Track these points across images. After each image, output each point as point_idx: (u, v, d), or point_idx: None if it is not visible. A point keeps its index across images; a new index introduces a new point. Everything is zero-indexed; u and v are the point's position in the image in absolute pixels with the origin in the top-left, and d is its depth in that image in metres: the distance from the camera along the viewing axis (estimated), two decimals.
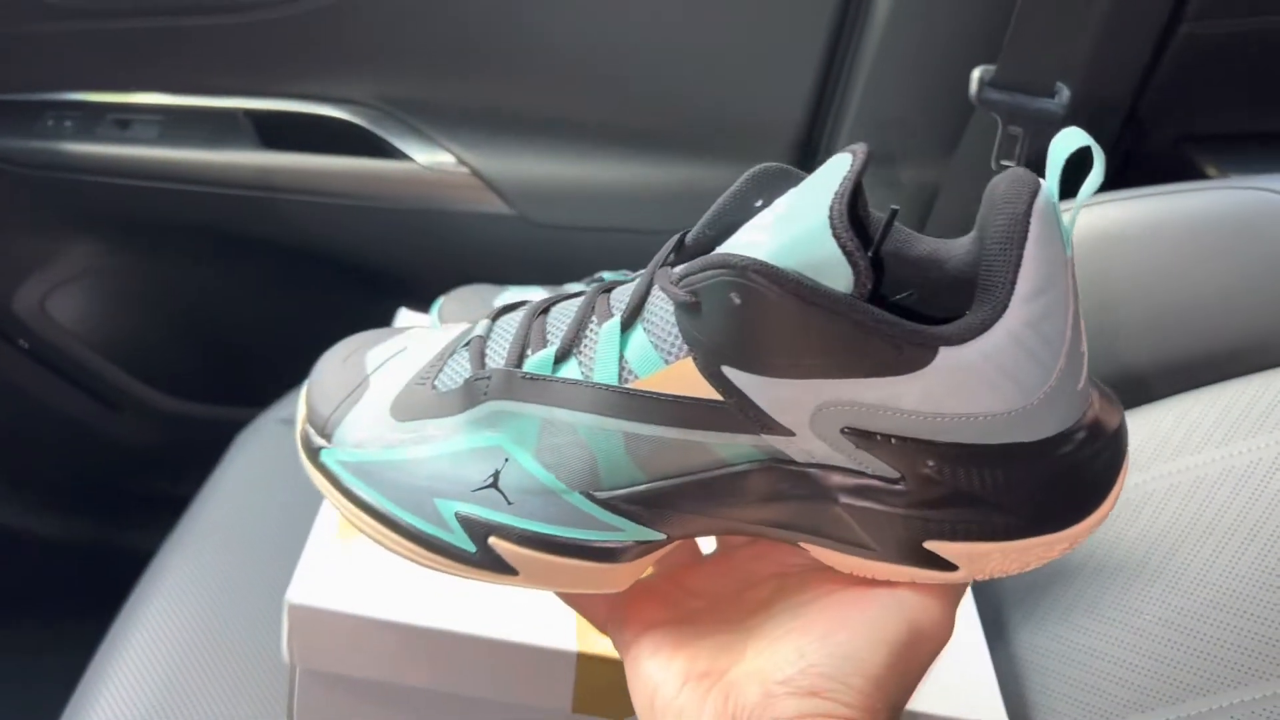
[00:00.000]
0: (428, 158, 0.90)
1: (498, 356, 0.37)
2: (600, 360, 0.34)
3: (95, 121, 0.92)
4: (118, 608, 0.68)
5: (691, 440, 0.33)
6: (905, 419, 0.30)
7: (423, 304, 0.70)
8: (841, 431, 0.31)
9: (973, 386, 0.30)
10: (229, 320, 1.09)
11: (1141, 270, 0.65)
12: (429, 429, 0.37)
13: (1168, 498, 0.56)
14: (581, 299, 0.37)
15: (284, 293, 1.07)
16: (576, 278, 0.67)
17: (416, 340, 0.41)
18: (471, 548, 0.35)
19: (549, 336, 0.36)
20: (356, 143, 0.91)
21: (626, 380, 0.33)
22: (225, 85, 0.91)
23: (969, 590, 0.57)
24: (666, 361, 0.32)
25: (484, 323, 0.39)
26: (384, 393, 0.39)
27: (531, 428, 0.35)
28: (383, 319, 0.74)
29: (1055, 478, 0.32)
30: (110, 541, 1.14)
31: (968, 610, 0.57)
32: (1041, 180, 0.31)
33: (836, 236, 0.29)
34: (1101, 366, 0.64)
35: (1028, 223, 0.29)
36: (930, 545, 0.32)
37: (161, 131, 0.92)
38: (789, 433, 0.32)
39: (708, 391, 0.32)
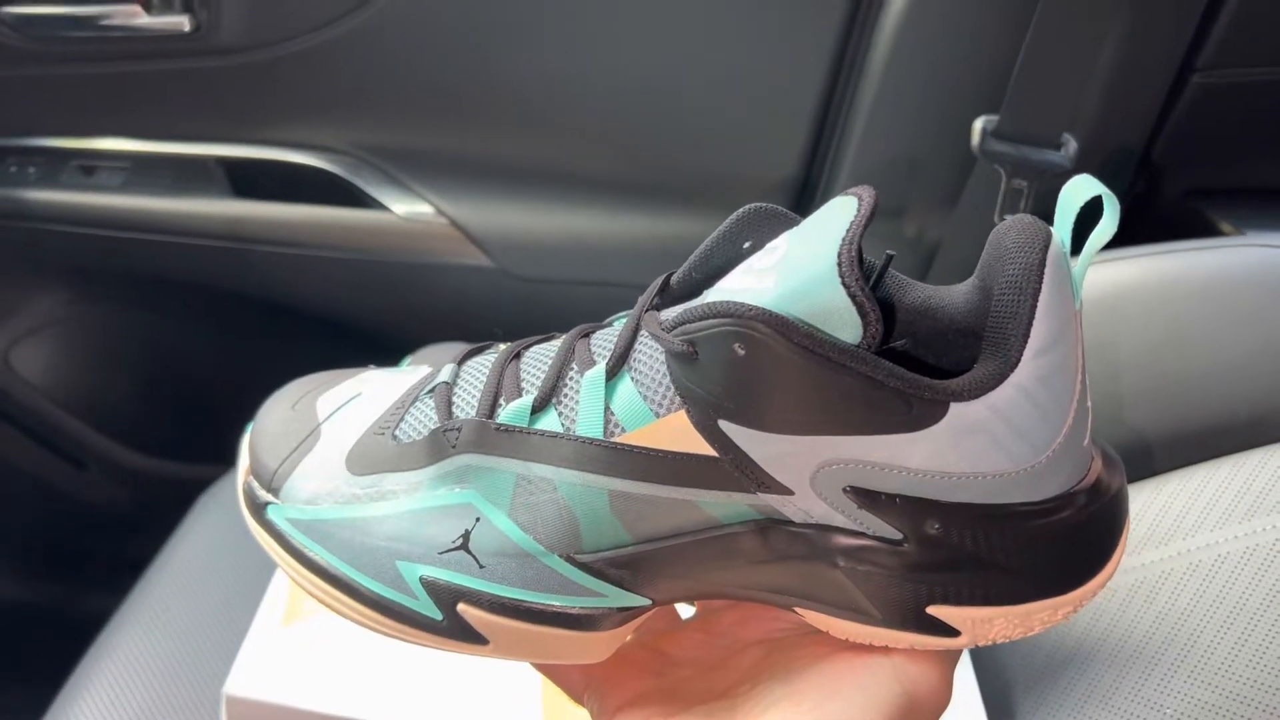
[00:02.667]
0: (406, 208, 0.89)
1: (467, 405, 0.35)
2: (584, 411, 0.32)
3: (59, 169, 0.91)
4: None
5: (682, 499, 0.31)
6: (912, 478, 0.29)
7: (395, 361, 0.67)
8: (844, 491, 0.30)
9: (982, 444, 0.29)
10: (197, 375, 1.08)
11: (1156, 332, 0.63)
12: (389, 483, 0.34)
13: (1188, 577, 0.54)
14: (558, 343, 0.35)
15: (254, 347, 1.05)
16: (559, 331, 0.65)
17: (372, 385, 0.38)
18: (438, 615, 0.33)
19: (524, 385, 0.34)
20: (332, 191, 0.89)
21: (613, 434, 0.32)
22: (196, 131, 0.90)
23: (973, 677, 0.55)
24: (657, 414, 0.31)
25: (449, 368, 0.37)
26: (338, 443, 0.36)
27: (506, 484, 0.33)
28: None
29: (1061, 539, 0.31)
30: (71, 604, 1.12)
31: (971, 698, 0.55)
32: (1052, 230, 0.30)
33: (845, 285, 0.28)
34: (1115, 434, 0.62)
35: (1041, 273, 0.29)
36: (933, 610, 0.31)
37: (128, 179, 0.91)
38: (787, 491, 0.31)
39: (701, 447, 0.31)
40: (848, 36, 0.79)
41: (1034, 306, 0.28)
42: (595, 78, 0.83)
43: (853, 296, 0.28)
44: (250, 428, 0.39)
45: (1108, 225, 0.29)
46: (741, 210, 0.33)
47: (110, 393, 1.08)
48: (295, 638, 0.52)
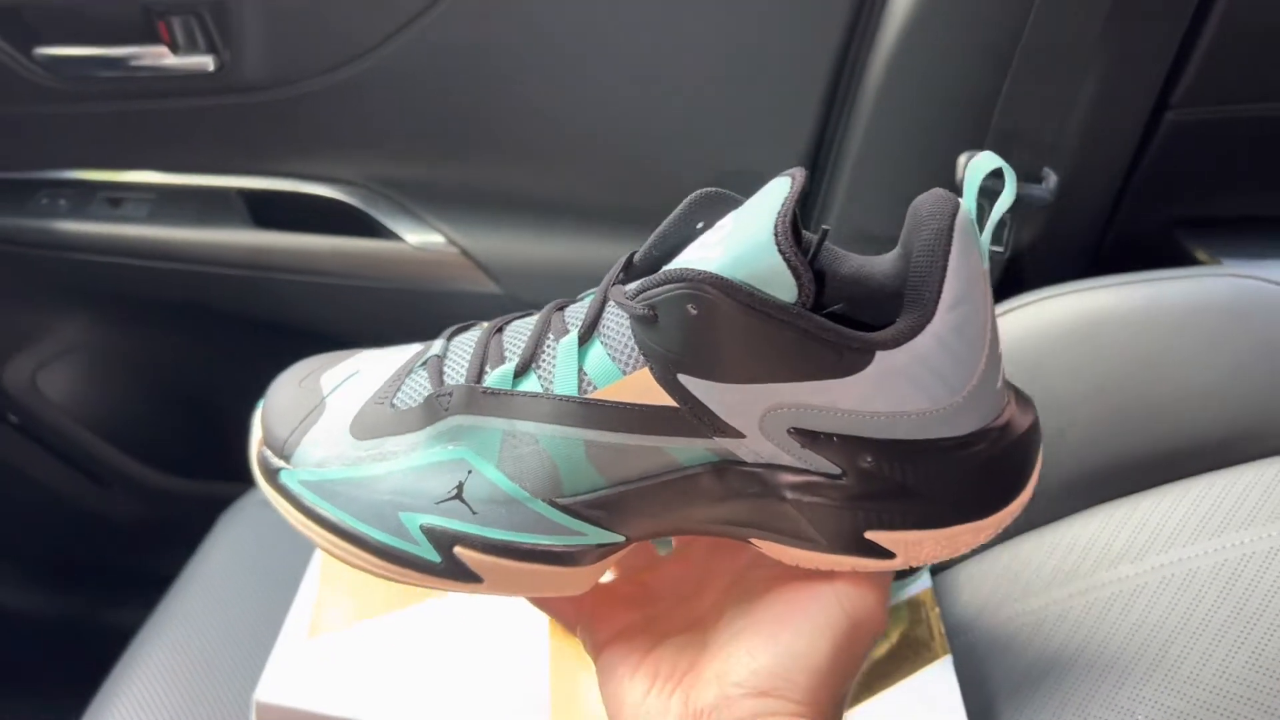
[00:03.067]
0: (418, 237, 0.91)
1: (456, 374, 0.38)
2: (560, 373, 0.35)
3: (88, 200, 0.93)
4: (98, 688, 0.67)
5: (648, 445, 0.35)
6: (845, 418, 0.33)
7: None
8: (788, 432, 0.33)
9: (904, 387, 0.32)
10: (217, 397, 1.09)
11: (1132, 357, 0.64)
12: (389, 445, 0.38)
13: (1160, 591, 0.55)
14: (536, 318, 0.39)
15: (273, 371, 1.06)
16: None
17: (369, 362, 0.42)
18: (436, 558, 0.37)
19: (506, 353, 0.37)
20: (348, 222, 0.91)
21: (586, 391, 0.35)
22: (219, 165, 0.92)
23: (956, 686, 0.56)
24: (624, 372, 0.34)
25: (440, 342, 0.40)
26: (342, 413, 0.39)
27: (493, 440, 0.36)
28: None
29: (978, 469, 0.34)
30: (95, 618, 1.13)
31: (954, 706, 0.56)
32: (960, 200, 0.34)
33: (781, 251, 0.31)
34: (1093, 455, 0.63)
35: (950, 237, 0.32)
36: (870, 535, 0.35)
37: (153, 210, 0.93)
38: (740, 435, 0.34)
39: (664, 399, 0.34)
40: (838, 79, 0.81)
41: (945, 266, 0.32)
42: (598, 112, 0.85)
43: (787, 261, 0.31)
44: (261, 404, 0.42)
45: (1007, 195, 0.33)
46: (693, 195, 0.37)
47: (134, 414, 1.09)
48: (322, 647, 0.54)
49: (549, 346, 0.37)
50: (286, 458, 0.39)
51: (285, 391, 0.42)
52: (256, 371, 1.08)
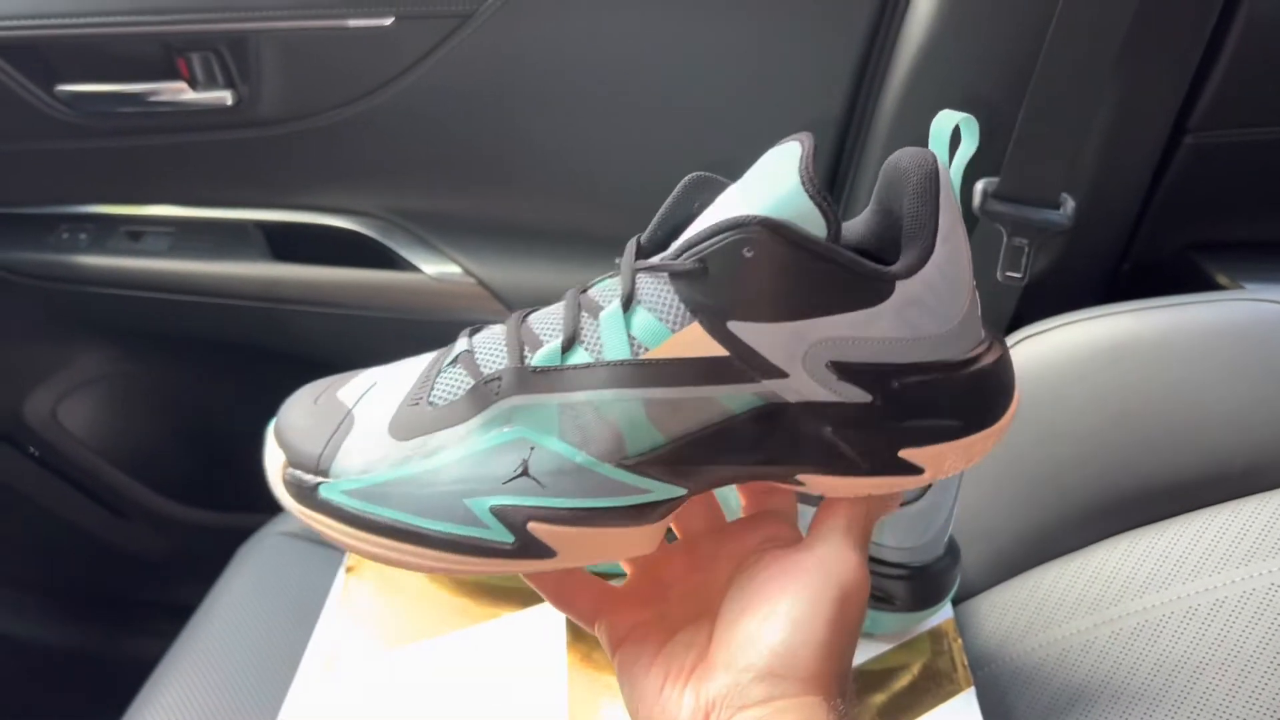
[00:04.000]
0: (435, 268, 0.92)
1: (493, 363, 0.39)
2: (609, 342, 0.37)
3: (108, 234, 0.94)
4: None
5: (702, 396, 0.36)
6: (874, 346, 0.36)
7: None
8: (826, 366, 0.36)
9: (919, 313, 0.36)
10: (235, 428, 1.09)
11: (1154, 383, 0.64)
12: (437, 440, 0.38)
13: (1186, 621, 0.55)
14: (559, 304, 0.40)
15: None
16: None
17: (385, 374, 0.42)
18: (510, 538, 0.37)
19: (542, 336, 0.38)
20: (365, 253, 0.92)
21: (639, 353, 0.37)
22: (237, 198, 0.93)
23: (979, 716, 0.56)
24: (673, 330, 0.36)
25: (463, 340, 0.41)
26: (376, 419, 0.39)
27: (551, 415, 0.37)
28: None
29: (980, 384, 0.38)
30: (116, 650, 1.14)
31: None
32: (933, 152, 0.37)
33: (810, 194, 0.35)
34: (1116, 483, 0.63)
35: (936, 181, 0.35)
36: (904, 454, 0.38)
37: (173, 243, 0.94)
38: (784, 375, 0.36)
39: (714, 349, 0.36)
40: (854, 108, 0.81)
41: (936, 205, 0.35)
42: (612, 142, 0.85)
43: (816, 203, 0.34)
44: (271, 428, 0.41)
45: (968, 146, 0.37)
46: (686, 179, 0.39)
47: (153, 446, 1.10)
48: (341, 679, 0.54)
49: (587, 322, 0.38)
50: (324, 472, 0.38)
51: (301, 411, 0.41)
52: (275, 403, 1.09)
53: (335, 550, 0.76)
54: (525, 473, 0.37)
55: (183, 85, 0.84)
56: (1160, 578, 0.57)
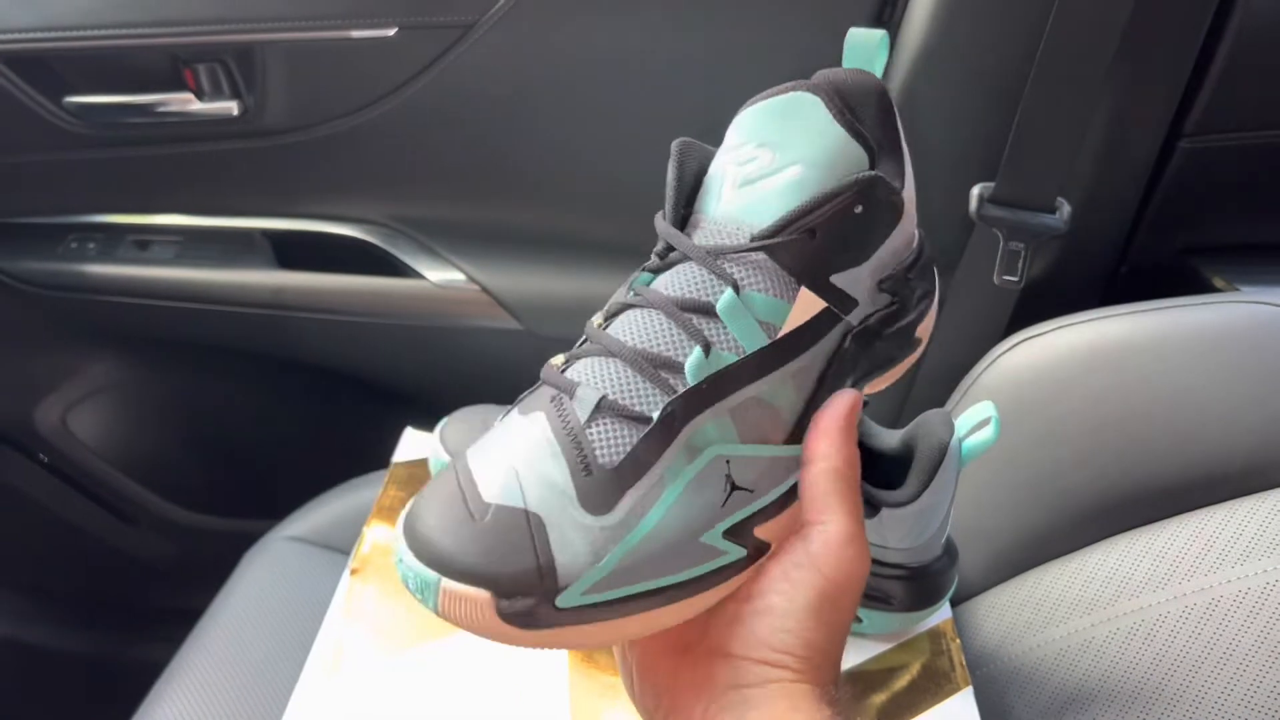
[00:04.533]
0: (439, 275, 0.92)
1: (638, 401, 0.36)
2: (741, 334, 0.37)
3: (116, 243, 0.95)
4: None
5: (819, 351, 0.39)
6: (893, 259, 0.40)
7: (430, 420, 0.71)
8: (876, 286, 0.40)
9: (905, 231, 0.41)
10: (243, 434, 1.10)
11: (1150, 386, 0.64)
12: (630, 498, 0.35)
13: (1182, 620, 0.55)
14: (654, 318, 0.38)
15: (297, 408, 1.08)
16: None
17: (494, 458, 0.37)
18: (742, 552, 0.37)
19: (666, 353, 0.37)
20: (370, 261, 0.93)
21: (773, 334, 0.38)
22: (243, 207, 0.94)
23: (977, 715, 0.56)
24: (789, 301, 0.38)
25: (583, 393, 0.37)
26: (558, 506, 0.35)
27: (726, 423, 0.37)
28: (392, 434, 0.74)
29: (932, 269, 0.44)
30: (124, 655, 1.14)
31: None
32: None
33: (858, 139, 0.38)
34: (1111, 485, 0.63)
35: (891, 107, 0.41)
36: (917, 333, 0.44)
37: (180, 252, 0.95)
38: (856, 303, 0.39)
39: (818, 305, 0.38)
40: None
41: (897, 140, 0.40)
42: (616, 151, 0.86)
43: (864, 145, 0.39)
44: (426, 574, 0.34)
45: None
46: (678, 146, 0.42)
47: (161, 452, 1.11)
48: (344, 683, 0.54)
49: (705, 323, 0.37)
50: (552, 584, 0.34)
51: (460, 538, 0.34)
52: (279, 409, 1.10)
53: (340, 553, 0.77)
54: (735, 487, 0.37)
55: (189, 96, 0.85)
56: (1157, 577, 0.58)
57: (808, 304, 0.38)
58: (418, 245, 0.92)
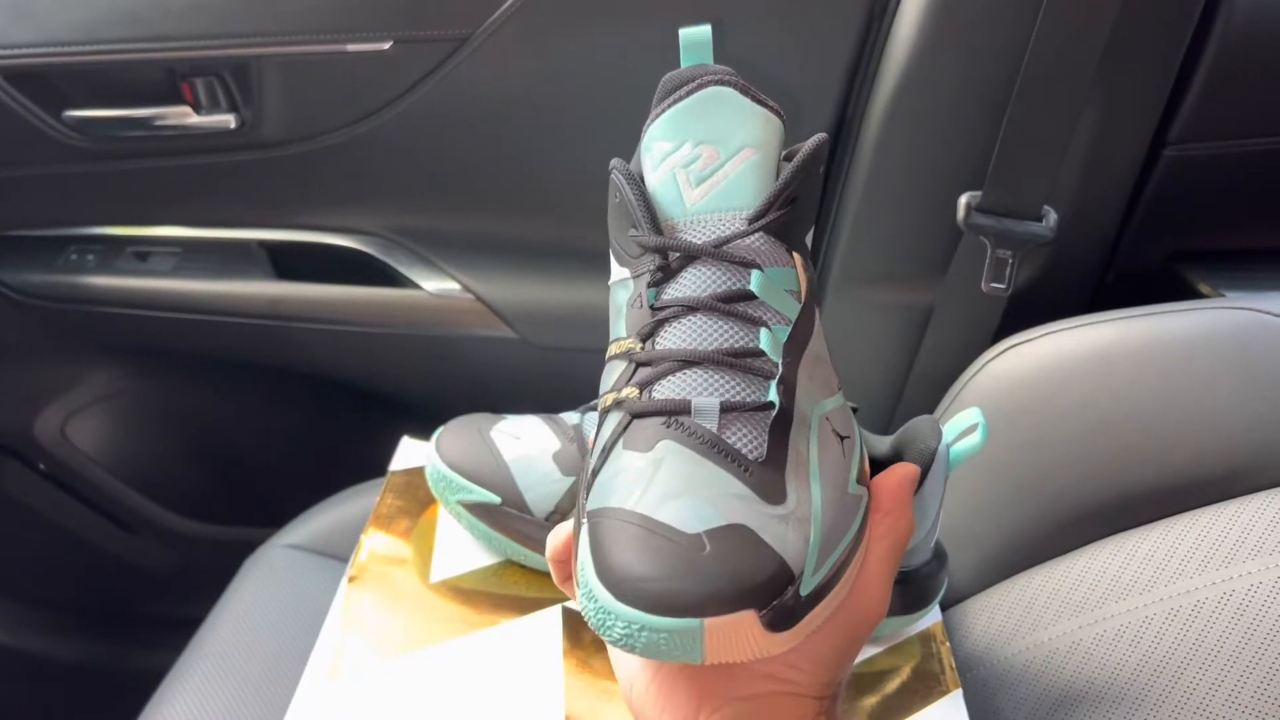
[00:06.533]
0: (435, 285, 0.93)
1: (743, 394, 0.37)
2: (781, 305, 0.39)
3: (115, 255, 0.95)
4: None
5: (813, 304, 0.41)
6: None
7: (426, 429, 0.71)
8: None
9: None
10: (242, 443, 1.10)
11: (1136, 392, 0.65)
12: (793, 477, 0.36)
13: (1169, 622, 0.55)
14: (696, 321, 0.39)
15: (294, 417, 1.08)
16: (579, 396, 0.68)
17: (700, 484, 0.35)
18: (866, 491, 0.40)
19: (734, 342, 0.38)
20: (366, 271, 0.93)
21: (801, 299, 0.40)
22: (241, 218, 0.94)
23: (966, 717, 0.56)
24: (791, 266, 0.40)
25: (703, 413, 0.36)
26: (755, 511, 0.34)
27: (808, 385, 0.39)
28: (389, 443, 0.75)
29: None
30: (125, 663, 1.14)
31: None
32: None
33: (765, 105, 0.41)
34: (1098, 489, 0.64)
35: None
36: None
37: (178, 264, 0.95)
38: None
39: (804, 262, 0.41)
40: (841, 122, 0.82)
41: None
42: (604, 161, 0.84)
43: (767, 106, 0.41)
44: (705, 625, 0.31)
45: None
46: (620, 166, 0.43)
47: (160, 461, 1.11)
48: (344, 688, 0.55)
49: (748, 308, 0.39)
50: (794, 578, 0.33)
51: (711, 572, 0.32)
52: (277, 418, 1.09)
53: (338, 561, 0.77)
54: (841, 437, 0.39)
55: (187, 109, 0.85)
56: (1143, 580, 0.58)
57: (801, 264, 0.40)
58: (414, 255, 0.93)
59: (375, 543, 0.65)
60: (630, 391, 0.38)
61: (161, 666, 0.74)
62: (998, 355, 0.71)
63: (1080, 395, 0.66)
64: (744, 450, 0.35)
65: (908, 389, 0.88)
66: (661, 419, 0.36)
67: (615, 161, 0.42)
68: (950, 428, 0.47)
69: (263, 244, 0.95)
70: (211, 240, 0.95)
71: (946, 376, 0.75)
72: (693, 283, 0.39)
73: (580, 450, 0.62)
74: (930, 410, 0.76)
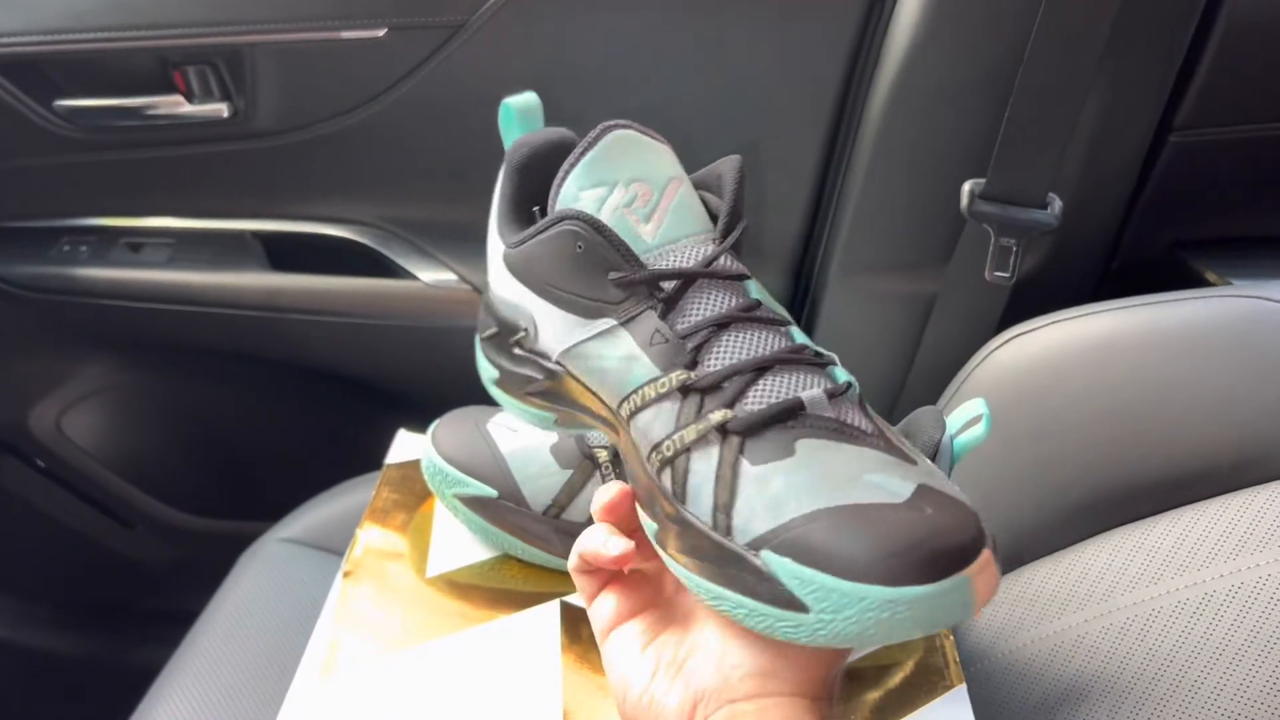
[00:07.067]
0: (431, 276, 0.92)
1: (798, 385, 0.38)
2: (774, 306, 0.41)
3: (108, 246, 0.95)
4: None
5: None
6: None
7: (423, 422, 0.71)
8: None
9: None
10: (237, 437, 1.10)
11: (1141, 381, 0.64)
12: (897, 441, 0.38)
13: (1175, 615, 0.55)
14: (737, 333, 0.39)
15: (290, 410, 1.08)
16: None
17: (870, 465, 0.36)
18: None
19: (781, 344, 0.39)
20: (362, 262, 0.93)
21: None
22: (235, 209, 0.93)
23: (970, 712, 0.56)
24: (749, 273, 0.43)
25: (831, 405, 0.38)
26: (921, 473, 0.36)
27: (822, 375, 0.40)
28: (385, 436, 0.74)
29: None
30: (123, 658, 1.15)
31: None
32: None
33: (657, 139, 0.45)
34: (1102, 480, 0.63)
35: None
36: None
37: (172, 255, 0.94)
38: None
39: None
40: (841, 111, 0.82)
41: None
42: None
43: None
44: (971, 577, 0.32)
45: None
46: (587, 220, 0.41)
47: (156, 455, 1.11)
48: (337, 686, 0.54)
49: (763, 312, 0.40)
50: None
51: (948, 525, 0.34)
52: (273, 410, 1.09)
53: (334, 554, 0.77)
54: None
55: (179, 98, 0.85)
56: (1149, 573, 0.58)
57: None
58: (410, 246, 0.92)
59: (371, 537, 0.64)
60: (722, 414, 0.37)
61: (159, 661, 0.73)
62: (1001, 345, 0.71)
63: (1085, 385, 0.66)
64: (861, 428, 0.37)
65: (910, 379, 0.87)
66: (778, 425, 0.36)
67: (564, 211, 0.41)
68: (954, 419, 0.46)
69: (257, 235, 0.94)
70: (205, 231, 0.95)
71: (949, 367, 0.75)
72: (702, 305, 0.39)
73: (578, 443, 0.61)
74: (933, 401, 0.76)
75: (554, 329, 0.43)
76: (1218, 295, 0.68)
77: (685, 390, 0.38)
